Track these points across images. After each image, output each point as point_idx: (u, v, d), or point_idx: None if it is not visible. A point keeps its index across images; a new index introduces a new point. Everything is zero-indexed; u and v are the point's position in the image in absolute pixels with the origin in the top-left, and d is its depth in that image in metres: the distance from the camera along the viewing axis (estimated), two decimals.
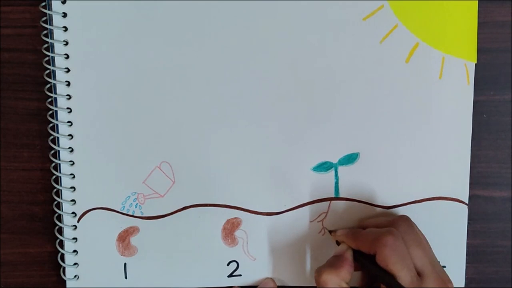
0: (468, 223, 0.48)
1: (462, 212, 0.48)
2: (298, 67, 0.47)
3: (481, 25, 0.47)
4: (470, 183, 0.48)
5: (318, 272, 0.43)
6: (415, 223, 0.44)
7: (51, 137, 0.48)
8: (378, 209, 0.48)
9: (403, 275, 0.40)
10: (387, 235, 0.41)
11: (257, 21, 0.46)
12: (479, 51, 0.47)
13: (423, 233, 0.44)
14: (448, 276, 0.42)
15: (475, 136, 0.48)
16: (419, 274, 0.41)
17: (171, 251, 0.49)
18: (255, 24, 0.46)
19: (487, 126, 0.49)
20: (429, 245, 0.44)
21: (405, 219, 0.44)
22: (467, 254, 0.48)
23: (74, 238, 0.48)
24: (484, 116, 0.48)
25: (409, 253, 0.41)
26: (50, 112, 0.47)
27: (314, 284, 0.49)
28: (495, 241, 0.50)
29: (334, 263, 0.43)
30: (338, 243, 0.46)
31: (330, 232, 0.48)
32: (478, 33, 0.46)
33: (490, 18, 0.48)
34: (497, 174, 0.49)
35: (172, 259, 0.49)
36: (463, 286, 0.48)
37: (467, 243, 0.48)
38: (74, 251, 0.49)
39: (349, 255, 0.43)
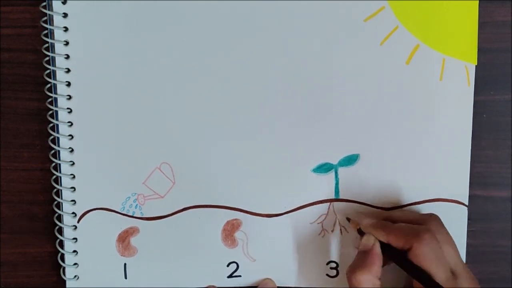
0: (468, 223, 0.48)
1: (462, 214, 0.48)
2: (299, 68, 0.47)
3: (481, 25, 0.46)
4: (470, 183, 0.48)
5: (351, 272, 0.41)
6: None
7: (51, 137, 0.48)
8: (379, 210, 0.48)
9: (439, 272, 0.40)
10: (426, 232, 0.41)
11: (257, 22, 0.46)
12: (479, 51, 0.47)
13: None
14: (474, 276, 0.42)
15: (475, 136, 0.47)
16: (452, 272, 0.41)
17: (171, 252, 0.49)
18: (256, 25, 0.46)
19: (487, 126, 0.48)
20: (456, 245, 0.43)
21: (436, 217, 0.44)
22: (467, 254, 0.48)
23: (74, 238, 0.48)
24: (484, 116, 0.48)
25: (442, 251, 0.41)
26: (50, 112, 0.47)
27: (313, 285, 0.49)
28: (495, 241, 0.50)
29: (365, 260, 0.42)
30: (359, 232, 0.44)
31: (349, 219, 0.47)
32: (478, 33, 0.46)
33: (490, 18, 0.47)
34: (497, 174, 0.49)
35: (172, 260, 0.49)
36: None
37: (467, 243, 0.48)
38: (74, 251, 0.49)
39: (378, 249, 0.42)
